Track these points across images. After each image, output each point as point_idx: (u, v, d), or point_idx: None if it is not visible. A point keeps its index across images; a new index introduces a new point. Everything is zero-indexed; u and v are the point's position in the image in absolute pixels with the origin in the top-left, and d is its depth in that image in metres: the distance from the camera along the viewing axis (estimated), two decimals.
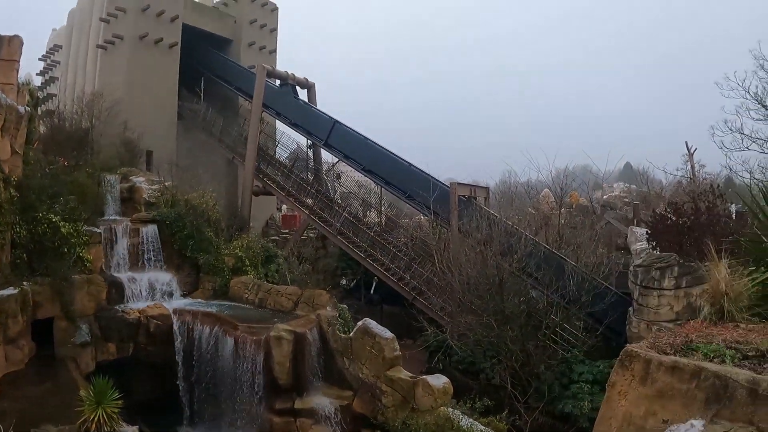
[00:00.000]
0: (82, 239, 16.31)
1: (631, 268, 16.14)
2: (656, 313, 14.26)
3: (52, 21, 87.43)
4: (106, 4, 28.09)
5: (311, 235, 29.87)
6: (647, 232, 17.14)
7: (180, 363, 15.58)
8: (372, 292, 26.39)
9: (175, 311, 16.41)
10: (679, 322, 12.66)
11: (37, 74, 35.52)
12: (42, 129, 23.34)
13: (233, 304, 18.14)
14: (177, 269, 18.97)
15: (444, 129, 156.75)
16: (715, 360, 6.15)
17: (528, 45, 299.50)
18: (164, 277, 18.24)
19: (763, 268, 8.48)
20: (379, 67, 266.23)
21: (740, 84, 19.57)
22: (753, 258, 8.74)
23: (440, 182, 24.08)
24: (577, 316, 16.93)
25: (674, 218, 15.59)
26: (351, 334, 15.28)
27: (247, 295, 18.47)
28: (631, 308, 15.85)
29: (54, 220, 15.45)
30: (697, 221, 14.87)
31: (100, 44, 28.19)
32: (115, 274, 17.36)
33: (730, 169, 21.97)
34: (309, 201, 27.17)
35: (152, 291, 17.61)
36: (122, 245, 18.06)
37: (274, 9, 36.50)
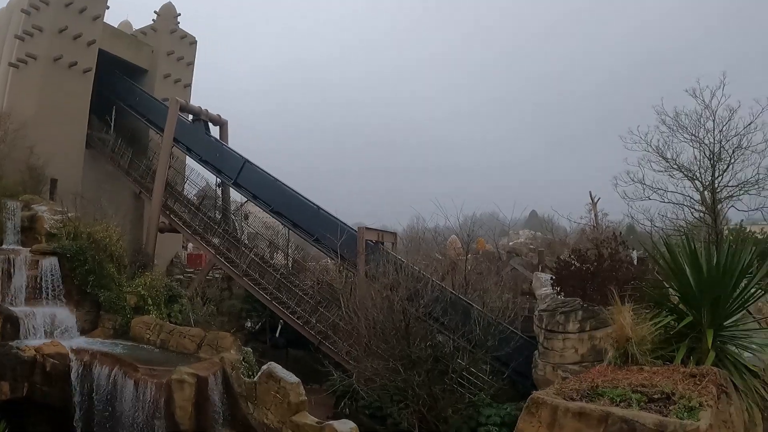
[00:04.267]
0: None
1: (537, 312, 16.33)
2: (561, 356, 14.46)
3: None
4: (23, 21, 27.30)
5: (217, 276, 29.51)
6: (552, 277, 17.25)
7: (77, 406, 15.01)
8: (277, 335, 26.12)
9: (73, 350, 15.79)
10: (584, 364, 13.08)
11: None
12: None
13: (134, 344, 17.74)
14: (77, 305, 18.36)
15: (351, 173, 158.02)
16: (622, 404, 6.24)
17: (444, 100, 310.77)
18: (63, 314, 17.60)
19: (664, 313, 8.65)
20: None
21: (643, 138, 20.69)
22: (654, 302, 8.91)
23: (348, 226, 24.38)
24: (484, 359, 17.04)
25: (578, 264, 15.87)
26: (255, 378, 15.17)
27: (148, 336, 18.11)
28: (536, 351, 16.01)
29: None
30: (600, 267, 15.19)
31: (12, 62, 27.20)
32: (11, 308, 16.56)
33: (632, 218, 22.67)
34: (215, 240, 26.95)
35: (50, 327, 16.90)
36: (20, 277, 17.34)
37: (193, 42, 36.61)
